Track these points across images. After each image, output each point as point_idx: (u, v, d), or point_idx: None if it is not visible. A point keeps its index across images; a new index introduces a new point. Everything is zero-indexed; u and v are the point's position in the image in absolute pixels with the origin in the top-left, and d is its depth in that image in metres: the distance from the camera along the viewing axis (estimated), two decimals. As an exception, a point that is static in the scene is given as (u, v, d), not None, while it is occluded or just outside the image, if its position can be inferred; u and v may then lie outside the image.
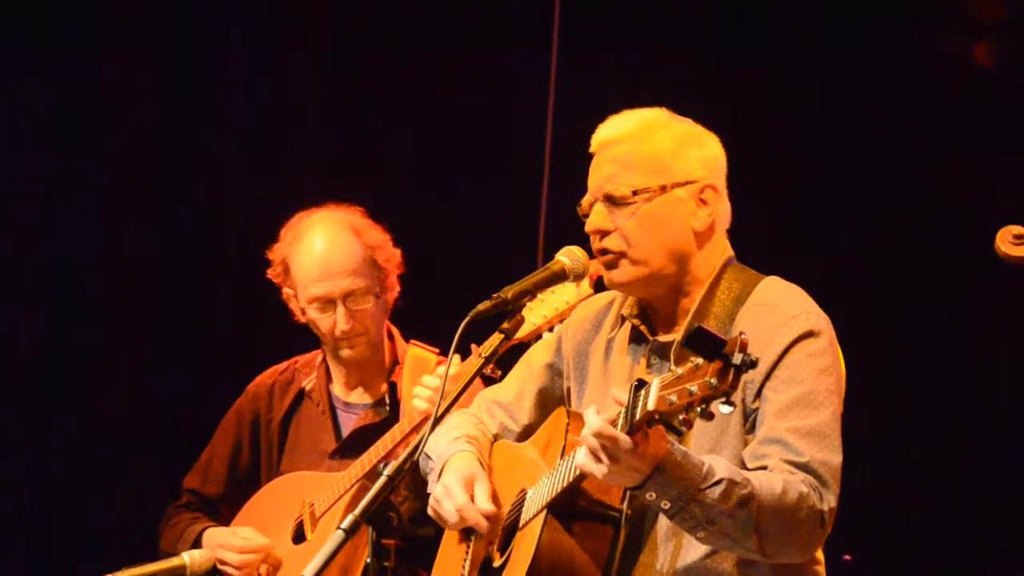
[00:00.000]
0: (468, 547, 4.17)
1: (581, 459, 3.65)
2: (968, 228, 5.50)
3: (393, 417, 5.40)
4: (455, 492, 4.05)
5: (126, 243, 7.01)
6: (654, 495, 3.64)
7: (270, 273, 5.50)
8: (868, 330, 5.87)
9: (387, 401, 5.46)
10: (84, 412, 6.94)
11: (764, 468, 3.76)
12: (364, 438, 5.38)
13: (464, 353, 4.65)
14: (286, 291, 5.49)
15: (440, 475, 4.14)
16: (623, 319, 4.10)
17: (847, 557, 5.54)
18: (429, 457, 4.24)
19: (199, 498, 5.63)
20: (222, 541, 5.43)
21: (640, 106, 4.08)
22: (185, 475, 5.66)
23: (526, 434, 4.25)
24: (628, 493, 3.84)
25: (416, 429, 5.10)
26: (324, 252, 5.37)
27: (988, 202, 5.86)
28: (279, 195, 6.37)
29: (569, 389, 4.22)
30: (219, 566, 5.41)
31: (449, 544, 4.29)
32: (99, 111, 6.96)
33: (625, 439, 3.57)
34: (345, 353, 5.43)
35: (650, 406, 3.50)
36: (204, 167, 7.00)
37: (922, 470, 6.07)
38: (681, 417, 3.48)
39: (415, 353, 5.49)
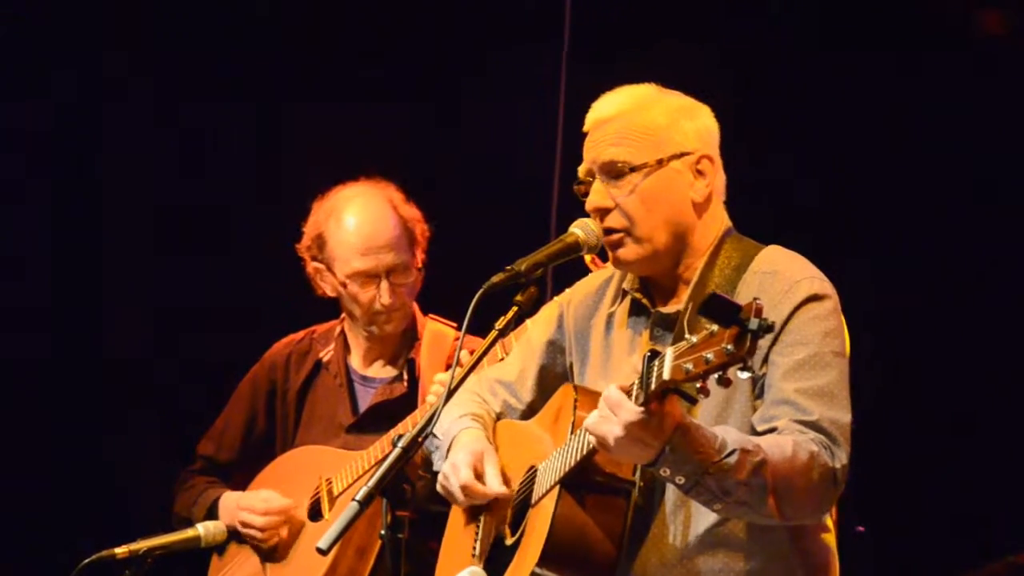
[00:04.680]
0: (478, 526, 4.17)
1: (594, 429, 3.65)
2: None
3: (411, 393, 5.40)
4: (461, 469, 4.07)
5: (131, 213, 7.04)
6: (668, 471, 3.64)
7: (300, 247, 5.48)
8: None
9: (405, 377, 5.45)
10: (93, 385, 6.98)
11: (774, 430, 3.77)
12: (381, 414, 5.39)
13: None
14: (314, 265, 5.46)
15: (448, 452, 4.17)
16: (624, 293, 4.10)
17: (860, 528, 5.54)
18: (435, 436, 4.25)
19: (212, 464, 5.63)
20: (244, 504, 5.40)
21: (651, 80, 4.08)
22: (199, 441, 5.68)
23: (529, 412, 4.25)
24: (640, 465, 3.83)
25: None
26: (368, 226, 5.35)
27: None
28: (285, 167, 6.41)
29: (571, 365, 4.21)
30: (241, 529, 5.40)
31: (457, 522, 4.29)
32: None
33: (637, 409, 3.57)
34: (380, 329, 5.41)
35: (665, 376, 3.50)
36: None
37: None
38: (698, 385, 3.47)
39: (433, 327, 5.48)
